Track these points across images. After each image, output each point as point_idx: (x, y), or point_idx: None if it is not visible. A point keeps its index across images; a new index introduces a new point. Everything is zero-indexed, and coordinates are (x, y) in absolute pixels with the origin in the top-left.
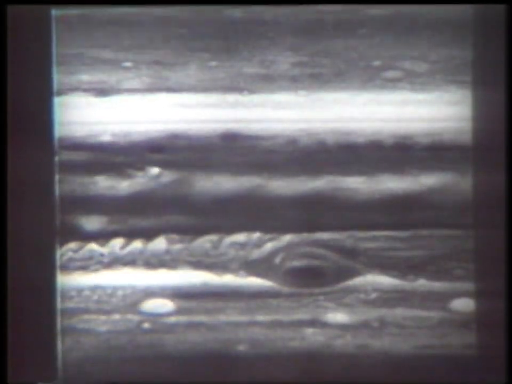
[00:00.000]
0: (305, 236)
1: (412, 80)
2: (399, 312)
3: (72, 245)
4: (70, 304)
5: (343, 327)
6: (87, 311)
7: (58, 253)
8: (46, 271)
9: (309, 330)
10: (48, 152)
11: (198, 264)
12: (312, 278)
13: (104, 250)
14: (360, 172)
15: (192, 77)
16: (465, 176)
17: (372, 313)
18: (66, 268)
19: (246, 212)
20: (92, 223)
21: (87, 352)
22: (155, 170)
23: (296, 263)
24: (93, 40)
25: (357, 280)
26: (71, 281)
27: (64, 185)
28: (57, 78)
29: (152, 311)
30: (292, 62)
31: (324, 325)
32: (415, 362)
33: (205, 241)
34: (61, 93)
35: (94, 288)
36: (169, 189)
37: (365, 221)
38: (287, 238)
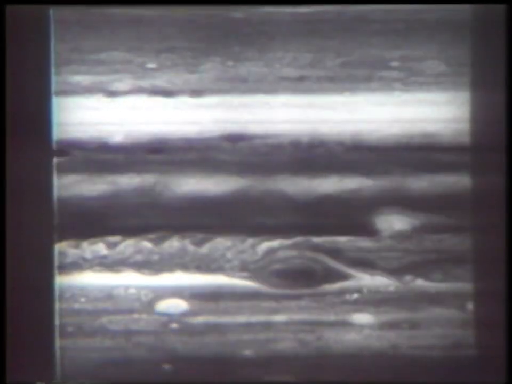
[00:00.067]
0: (305, 236)
1: (411, 81)
2: (399, 313)
3: (71, 245)
4: (69, 304)
5: (343, 328)
6: (86, 311)
7: (57, 253)
8: (45, 271)
9: (308, 332)
10: (47, 153)
11: (190, 266)
12: (306, 279)
13: (102, 251)
14: (360, 173)
15: (192, 78)
16: (464, 177)
17: (371, 314)
18: (64, 268)
19: (245, 214)
20: (90, 224)
21: (85, 352)
22: (155, 170)
23: (293, 265)
24: (92, 40)
25: (357, 280)
26: (70, 281)
27: (63, 185)
28: (56, 78)
29: (152, 311)
30: (292, 62)
31: (324, 325)
32: (414, 363)
33: (199, 242)
34: (59, 93)
35: (93, 289)
36: (169, 189)
37: (364, 223)
38: (287, 238)
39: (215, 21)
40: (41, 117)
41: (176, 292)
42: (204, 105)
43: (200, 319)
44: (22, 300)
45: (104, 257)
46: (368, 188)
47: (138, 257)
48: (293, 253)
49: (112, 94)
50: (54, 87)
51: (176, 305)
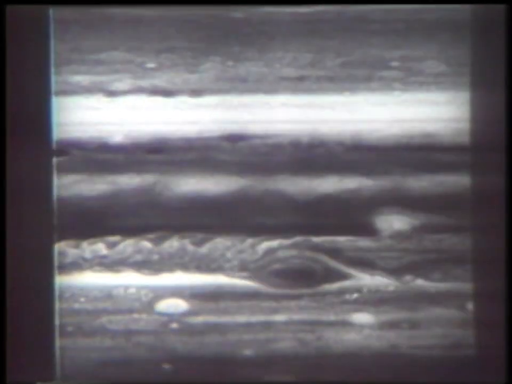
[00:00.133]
0: (305, 236)
1: (411, 81)
2: (399, 312)
3: (71, 245)
4: (69, 304)
5: (344, 328)
6: (86, 311)
7: (57, 253)
8: (45, 271)
9: (307, 332)
10: (47, 153)
11: (190, 266)
12: (306, 279)
13: (102, 250)
14: (360, 173)
15: (192, 78)
16: (464, 177)
17: (371, 314)
18: (64, 268)
19: (245, 213)
20: (90, 223)
21: (85, 352)
22: (155, 170)
23: (293, 265)
24: (92, 40)
25: (357, 280)
26: (70, 281)
27: (62, 185)
28: (56, 78)
29: (152, 311)
30: (292, 62)
31: (324, 325)
32: (414, 363)
33: (199, 242)
34: (59, 93)
35: (93, 288)
36: (169, 189)
37: (364, 223)
38: (287, 238)
39: (215, 21)
40: (41, 117)
41: (176, 292)
42: (203, 105)
43: (200, 319)
44: (22, 300)
45: (104, 257)
46: (368, 188)
47: (138, 257)
48: (293, 252)
49: (112, 94)
50: (54, 87)
51: (176, 305)
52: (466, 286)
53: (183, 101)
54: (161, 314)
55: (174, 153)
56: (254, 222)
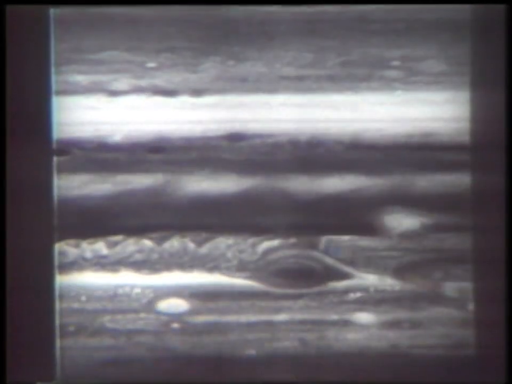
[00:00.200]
0: (306, 236)
1: (411, 80)
2: (399, 312)
3: (71, 244)
4: (69, 304)
5: (344, 328)
6: (86, 311)
7: (57, 252)
8: (45, 271)
9: (306, 331)
10: (47, 152)
11: (191, 265)
12: (308, 278)
13: (103, 250)
14: (360, 172)
15: (192, 77)
16: (464, 177)
17: (372, 314)
18: (64, 268)
19: (246, 213)
20: (91, 223)
21: (86, 352)
22: (155, 170)
23: (294, 264)
24: (92, 40)
25: (358, 280)
26: (70, 281)
27: (63, 185)
28: (56, 78)
29: (152, 311)
30: (292, 62)
31: (325, 325)
32: (414, 363)
33: (199, 242)
34: (59, 93)
35: (93, 288)
36: (168, 190)
37: (364, 222)
38: (288, 237)
39: (215, 21)
40: (41, 117)
41: (177, 292)
42: (204, 105)
43: (201, 319)
44: (22, 300)
45: (105, 256)
46: (368, 188)
47: (139, 257)
48: (294, 252)
49: (112, 93)
50: (54, 87)
51: (177, 304)
52: (466, 286)
53: (183, 100)
54: (162, 314)
55: (174, 153)
56: (256, 222)
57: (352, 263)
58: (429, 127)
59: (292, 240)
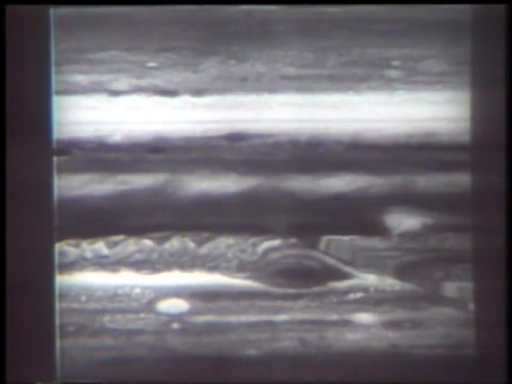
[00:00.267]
0: (307, 236)
1: (411, 80)
2: (400, 312)
3: (71, 244)
4: (69, 304)
5: (344, 328)
6: (86, 311)
7: (57, 252)
8: (45, 270)
9: (305, 331)
10: (47, 152)
11: (191, 265)
12: (308, 278)
13: (103, 250)
14: (360, 172)
15: (192, 77)
16: (464, 176)
17: (373, 314)
18: (64, 268)
19: (246, 213)
20: (91, 223)
21: (86, 352)
22: (155, 170)
23: (295, 264)
24: (92, 40)
25: (358, 280)
26: (70, 281)
27: (63, 185)
28: (56, 78)
29: (153, 311)
30: (293, 62)
31: (325, 325)
32: (414, 363)
33: (199, 242)
34: (59, 93)
35: (93, 288)
36: (168, 190)
37: (364, 222)
38: (289, 237)
39: (215, 21)
40: (41, 117)
41: (177, 292)
42: (204, 105)
43: (201, 319)
44: (22, 300)
45: (105, 256)
46: (368, 188)
47: (139, 257)
48: (294, 252)
49: (112, 93)
50: (54, 86)
51: (177, 305)
52: (466, 286)
53: (183, 100)
54: (162, 314)
55: (175, 153)
56: (256, 222)
57: (352, 263)
58: (429, 127)
59: (292, 240)
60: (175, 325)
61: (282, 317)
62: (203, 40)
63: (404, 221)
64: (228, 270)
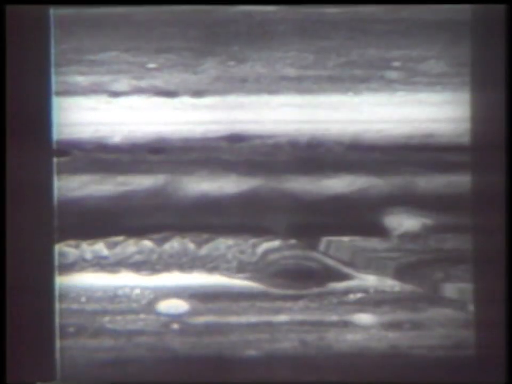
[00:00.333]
0: (307, 236)
1: (411, 81)
2: (400, 313)
3: (71, 245)
4: (69, 305)
5: (344, 329)
6: (86, 311)
7: (57, 253)
8: (45, 271)
9: (305, 332)
10: (47, 153)
11: (191, 266)
12: (308, 279)
13: (103, 251)
14: (361, 173)
15: (192, 78)
16: (464, 177)
17: (373, 314)
18: (64, 268)
19: (246, 214)
20: (91, 224)
21: (86, 352)
22: (155, 171)
23: (294, 265)
24: (92, 40)
25: (358, 281)
26: (70, 281)
27: (63, 185)
28: (56, 78)
29: (152, 312)
30: (293, 63)
31: (324, 326)
32: (414, 363)
33: (199, 242)
34: (59, 93)
35: (93, 289)
36: (168, 191)
37: (364, 222)
38: (288, 238)
39: (215, 21)
40: (41, 117)
41: (177, 292)
42: (204, 106)
43: (201, 320)
44: (22, 300)
45: (105, 257)
46: (368, 188)
47: (139, 258)
48: (294, 253)
49: (112, 94)
50: (54, 87)
51: (177, 305)
52: (466, 286)
53: (183, 101)
54: (162, 314)
55: (175, 154)
56: (256, 223)
57: (352, 264)
58: (429, 127)
59: (292, 241)
60: (175, 326)
61: (282, 318)
62: (203, 41)
63: (403, 222)
64: (227, 271)
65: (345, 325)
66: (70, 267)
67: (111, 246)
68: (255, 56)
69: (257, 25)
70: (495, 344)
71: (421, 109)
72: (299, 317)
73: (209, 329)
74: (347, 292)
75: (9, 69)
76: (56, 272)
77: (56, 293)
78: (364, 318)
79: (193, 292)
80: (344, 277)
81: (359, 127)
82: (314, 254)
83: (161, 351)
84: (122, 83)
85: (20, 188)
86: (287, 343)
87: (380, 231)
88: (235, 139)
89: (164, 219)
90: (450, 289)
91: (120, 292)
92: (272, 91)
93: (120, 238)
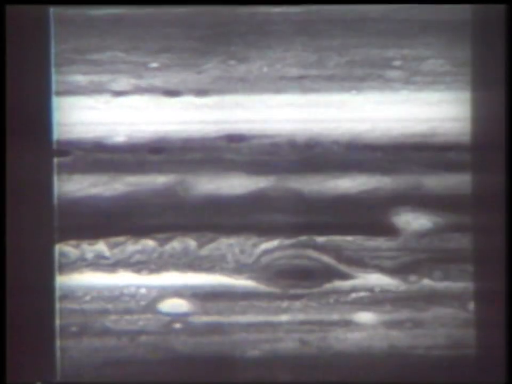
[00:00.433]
0: (308, 236)
1: (412, 80)
2: (400, 312)
3: (72, 245)
4: (69, 305)
5: (345, 329)
6: (86, 311)
7: (57, 253)
8: (45, 271)
9: (304, 332)
10: (47, 153)
11: (193, 266)
12: (309, 279)
13: (104, 251)
14: (361, 173)
15: (193, 78)
16: (465, 176)
17: (373, 314)
18: (65, 268)
19: (248, 213)
20: (91, 224)
21: (86, 352)
22: (156, 170)
23: (296, 265)
24: (92, 40)
25: (359, 280)
26: (70, 281)
27: (63, 185)
28: (56, 78)
29: (154, 311)
30: (294, 62)
31: (325, 326)
32: (414, 363)
33: (201, 242)
34: (59, 93)
35: (93, 289)
36: (169, 190)
37: (364, 222)
38: (290, 238)
39: (216, 21)
40: (42, 117)
41: (178, 292)
42: (204, 105)
43: (203, 319)
44: (22, 300)
45: (106, 257)
46: (368, 188)
47: (140, 258)
48: (295, 252)
49: (112, 94)
50: (54, 87)
51: (178, 305)
52: (467, 286)
53: (184, 101)
54: (163, 314)
55: (176, 153)
56: (257, 222)
57: (352, 263)
58: (429, 127)
59: (293, 240)
60: (177, 326)
61: (283, 318)
62: (204, 40)
63: (404, 221)
64: (229, 271)
65: (346, 324)
66: (71, 267)
67: (112, 246)
68: (256, 56)
69: (258, 25)
70: (495, 343)
71: (421, 108)
72: (300, 316)
73: (211, 329)
74: (348, 291)
75: (9, 69)
76: (57, 272)
77: (57, 292)
78: (365, 317)
79: (195, 291)
80: (344, 276)
81: (359, 126)
82: (316, 254)
83: (162, 351)
84: (123, 83)
85: (20, 187)
86: (288, 343)
87: (381, 231)
88: (237, 139)
89: (166, 219)
90: (450, 289)
91: (121, 292)
92: (273, 90)
93: (121, 238)
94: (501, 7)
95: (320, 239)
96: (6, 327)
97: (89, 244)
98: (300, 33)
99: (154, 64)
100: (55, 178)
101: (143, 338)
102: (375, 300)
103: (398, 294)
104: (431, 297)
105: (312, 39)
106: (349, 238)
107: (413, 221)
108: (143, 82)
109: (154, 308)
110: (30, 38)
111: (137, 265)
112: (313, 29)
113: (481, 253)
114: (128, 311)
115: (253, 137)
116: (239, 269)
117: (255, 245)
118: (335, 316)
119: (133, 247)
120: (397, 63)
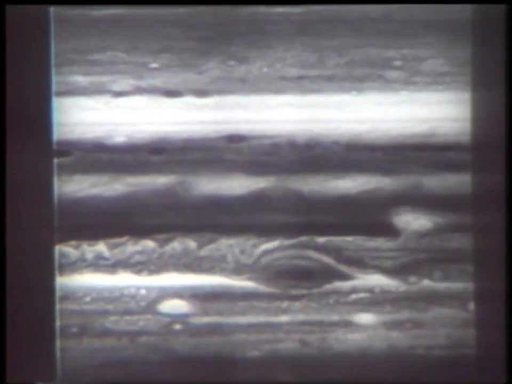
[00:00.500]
0: (308, 236)
1: (412, 80)
2: (401, 313)
3: (72, 245)
4: (69, 305)
5: (345, 329)
6: (86, 312)
7: (57, 253)
8: (45, 271)
9: (304, 332)
10: (47, 153)
11: (192, 267)
12: (309, 279)
13: (104, 251)
14: (361, 173)
15: (193, 78)
16: (465, 176)
17: (374, 314)
18: (65, 269)
19: (249, 214)
20: (91, 224)
21: (86, 353)
22: (156, 171)
23: (296, 265)
24: (92, 40)
25: (359, 281)
26: (70, 282)
27: (63, 185)
28: (56, 78)
29: (154, 312)
30: (294, 63)
31: (325, 326)
32: (415, 363)
33: (201, 243)
34: (59, 93)
35: (93, 290)
36: (169, 191)
37: (364, 223)
38: (290, 238)
39: (216, 21)
40: (42, 117)
41: (178, 293)
42: (205, 106)
43: (202, 320)
44: (22, 300)
45: (106, 258)
46: (368, 188)
47: (140, 258)
48: (295, 253)
49: (112, 94)
50: (54, 87)
51: (178, 306)
52: (467, 286)
53: (184, 101)
54: (163, 315)
55: (176, 154)
56: (257, 223)
57: (352, 263)
58: (430, 127)
59: (293, 240)
60: (177, 326)
61: (283, 318)
62: (204, 41)
63: (404, 221)
64: (229, 272)
65: (346, 325)
66: (71, 267)
67: (112, 247)
68: (256, 56)
69: (258, 25)
70: (495, 343)
71: (421, 109)
72: (300, 317)
73: (211, 329)
74: (348, 291)
75: (9, 69)
76: (57, 273)
77: (57, 293)
78: (365, 318)
79: (195, 292)
80: (344, 277)
81: (359, 126)
82: (316, 254)
83: (161, 352)
84: (123, 83)
85: (20, 188)
86: (288, 344)
87: (381, 231)
88: (237, 139)
89: (166, 219)
90: (450, 289)
91: (121, 293)
92: (273, 91)
93: (121, 239)
94: (501, 7)
95: (320, 240)
96: (6, 327)
97: (89, 245)
98: (300, 33)
99: (155, 65)
100: (55, 178)
101: (143, 339)
102: (375, 300)
103: (398, 294)
104: (431, 298)
105: (312, 39)
106: (349, 238)
107: (413, 221)
108: (143, 83)
109: (154, 308)
110: (30, 38)
111: (137, 266)
112: (313, 29)
113: (481, 253)
114: (128, 312)
115: (253, 137)
116: (239, 270)
117: (255, 246)
118: (335, 317)
119: (133, 247)
120: (397, 63)
